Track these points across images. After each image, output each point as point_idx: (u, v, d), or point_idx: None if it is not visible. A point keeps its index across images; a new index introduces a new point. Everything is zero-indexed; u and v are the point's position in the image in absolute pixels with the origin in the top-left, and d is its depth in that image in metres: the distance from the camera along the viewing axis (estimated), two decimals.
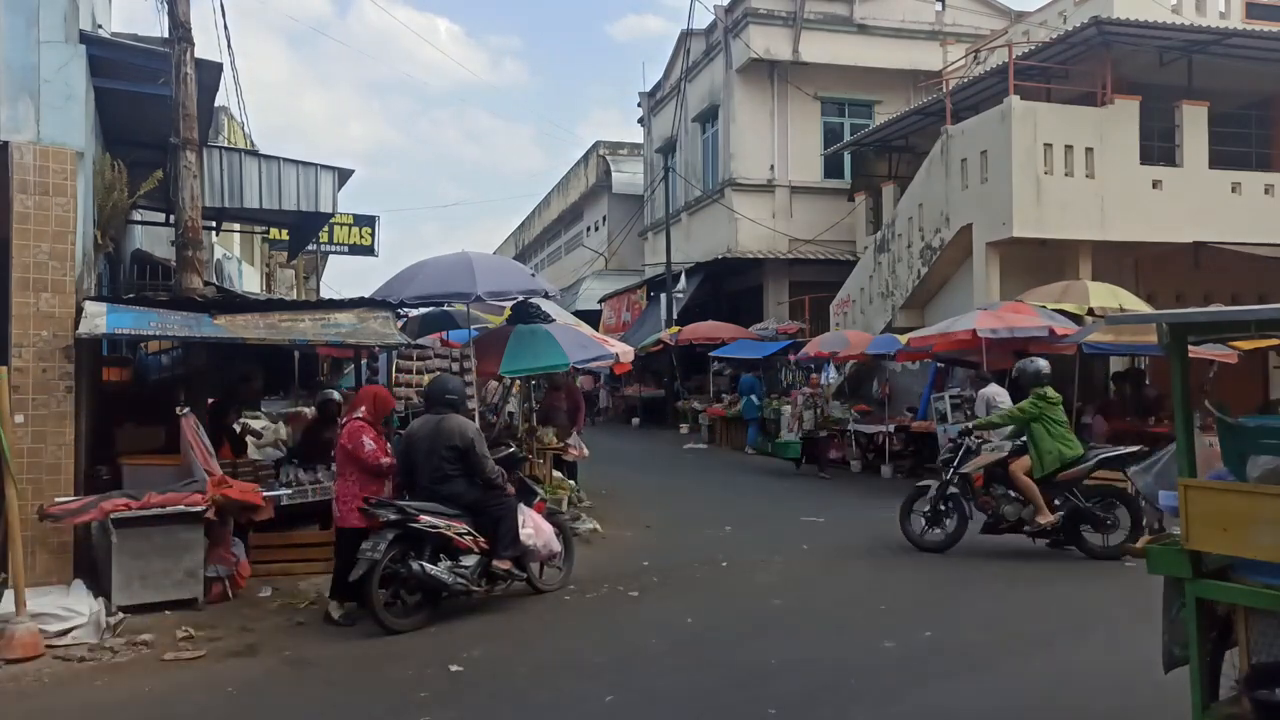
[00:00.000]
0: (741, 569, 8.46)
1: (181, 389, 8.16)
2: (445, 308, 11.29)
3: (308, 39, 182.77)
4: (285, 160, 10.39)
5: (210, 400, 8.45)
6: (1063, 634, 6.25)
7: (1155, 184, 15.03)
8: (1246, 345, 11.01)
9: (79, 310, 7.04)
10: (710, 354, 21.49)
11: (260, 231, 18.48)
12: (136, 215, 11.27)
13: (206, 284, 9.15)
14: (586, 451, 12.90)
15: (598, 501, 11.86)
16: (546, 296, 10.97)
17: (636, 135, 32.70)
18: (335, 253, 26.39)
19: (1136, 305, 13.24)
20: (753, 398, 18.95)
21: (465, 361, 10.31)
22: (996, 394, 11.64)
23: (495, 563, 6.88)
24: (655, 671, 5.67)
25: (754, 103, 23.08)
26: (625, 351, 12.46)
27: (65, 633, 6.20)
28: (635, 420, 25.07)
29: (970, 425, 9.60)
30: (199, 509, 6.81)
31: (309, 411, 10.95)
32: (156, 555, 6.78)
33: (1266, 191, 15.62)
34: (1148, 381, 14.42)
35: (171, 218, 9.72)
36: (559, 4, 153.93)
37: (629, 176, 31.96)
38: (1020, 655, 5.86)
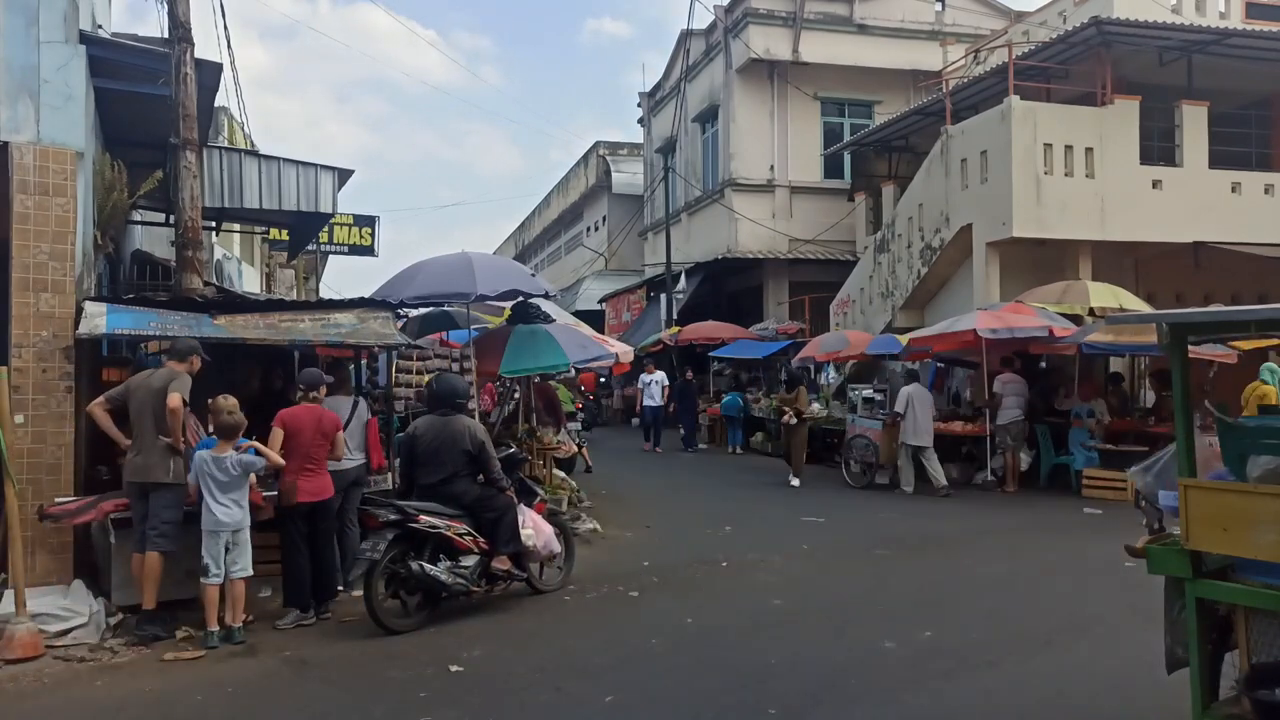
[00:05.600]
0: (741, 569, 8.47)
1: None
2: (445, 308, 11.29)
3: (287, 38, 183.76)
4: (285, 160, 10.39)
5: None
6: (1063, 634, 6.25)
7: (1155, 184, 15.03)
8: (1246, 345, 11.03)
9: (79, 310, 7.03)
10: (710, 354, 21.52)
11: (260, 231, 18.48)
12: (136, 215, 11.26)
13: (206, 284, 9.14)
14: (573, 447, 13.00)
15: (598, 502, 11.86)
16: (546, 296, 10.97)
17: (633, 135, 32.73)
18: (335, 253, 26.39)
19: (1136, 305, 13.26)
20: (736, 395, 19.13)
21: (465, 362, 10.32)
22: (917, 393, 13.08)
23: (494, 563, 6.89)
24: (655, 671, 5.67)
25: (754, 103, 23.08)
26: (625, 351, 12.46)
27: (65, 633, 6.20)
28: (635, 420, 25.07)
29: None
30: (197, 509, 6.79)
31: None
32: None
33: (1266, 191, 15.63)
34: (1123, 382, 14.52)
35: (171, 218, 9.71)
36: (533, 8, 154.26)
37: (629, 176, 31.97)
38: (1020, 655, 5.86)
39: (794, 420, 13.78)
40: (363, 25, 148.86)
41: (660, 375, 19.33)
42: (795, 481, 13.63)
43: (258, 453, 6.47)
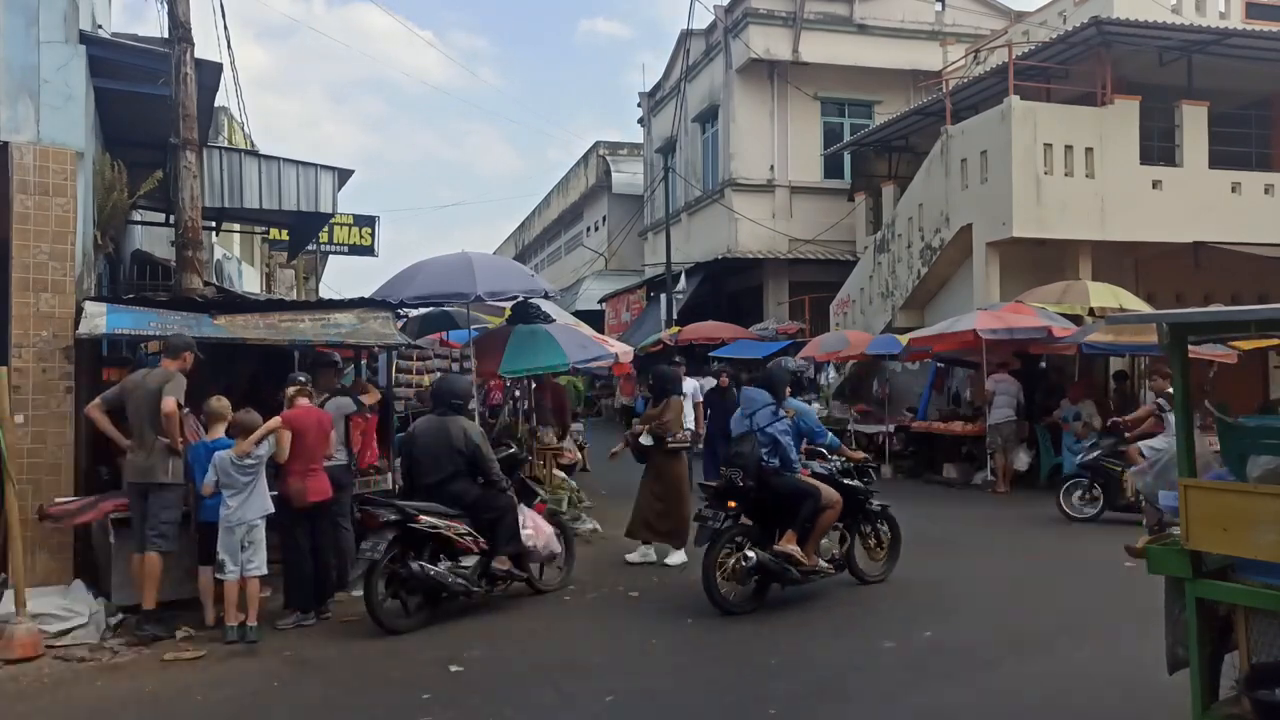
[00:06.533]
0: None
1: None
2: (445, 308, 11.28)
3: (284, 38, 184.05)
4: (285, 160, 10.38)
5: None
6: (1063, 634, 6.25)
7: (1155, 184, 15.03)
8: (1246, 345, 11.02)
9: (79, 310, 7.04)
10: (710, 354, 21.50)
11: (260, 231, 18.48)
12: (136, 215, 11.26)
13: (206, 284, 9.14)
14: (579, 455, 12.90)
15: (598, 502, 11.85)
16: (546, 296, 10.97)
17: (632, 134, 32.72)
18: (335, 253, 26.39)
19: (1136, 305, 13.26)
20: None
21: (465, 362, 10.32)
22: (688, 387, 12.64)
23: (494, 563, 6.89)
24: (655, 671, 5.67)
25: (754, 103, 23.07)
26: (625, 351, 12.45)
27: (65, 633, 6.21)
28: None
29: None
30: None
31: None
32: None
33: (1266, 191, 15.62)
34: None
35: (171, 218, 9.71)
36: (530, 8, 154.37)
37: (629, 176, 31.96)
38: (1020, 655, 5.86)
39: (656, 442, 8.60)
40: (359, 25, 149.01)
41: (694, 386, 12.64)
42: (679, 558, 8.45)
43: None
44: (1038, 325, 12.62)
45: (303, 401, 6.83)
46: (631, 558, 8.67)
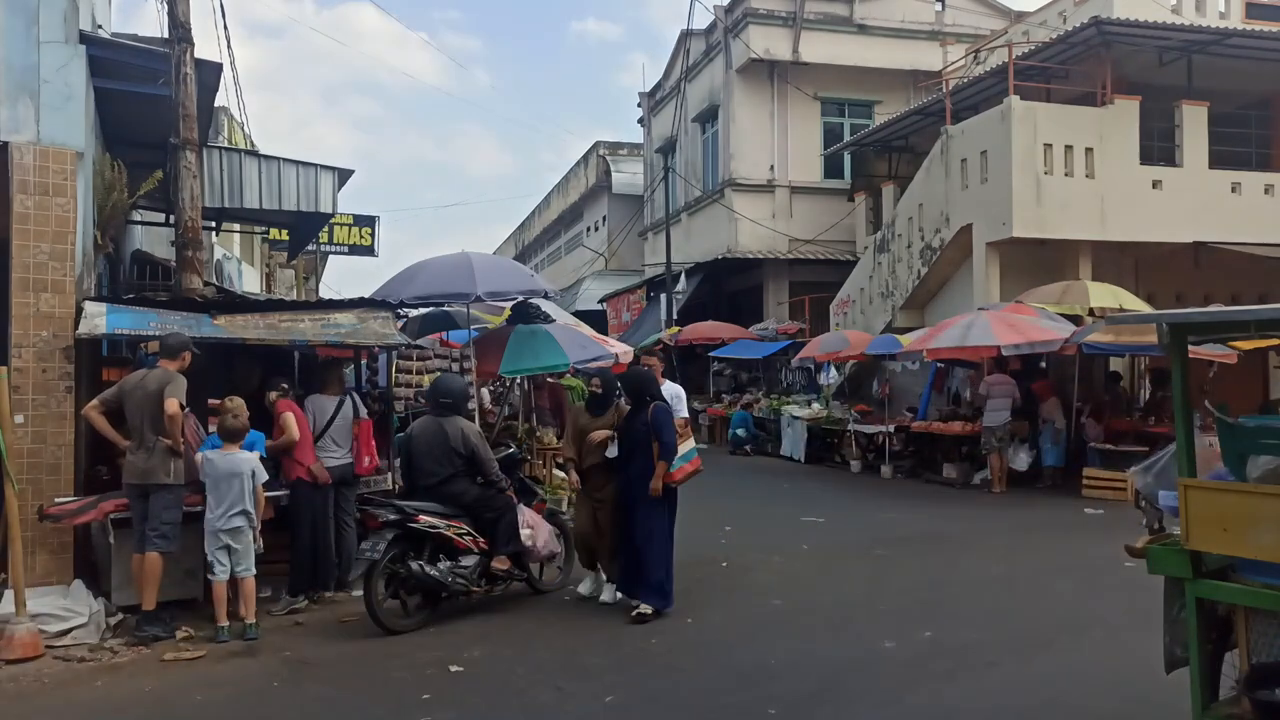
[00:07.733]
0: (741, 569, 8.46)
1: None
2: (445, 308, 11.27)
3: (277, 37, 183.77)
4: (285, 160, 10.37)
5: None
6: (1063, 634, 6.25)
7: (1155, 184, 15.04)
8: (1246, 345, 11.02)
9: (79, 310, 7.03)
10: (710, 354, 21.50)
11: (260, 231, 18.47)
12: (136, 215, 11.25)
13: (206, 284, 9.13)
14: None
15: None
16: (546, 296, 10.96)
17: (630, 134, 32.69)
18: (335, 253, 26.37)
19: (1136, 305, 13.25)
20: (746, 415, 19.08)
21: (465, 362, 10.31)
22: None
23: (494, 563, 6.90)
24: (655, 671, 5.67)
25: (754, 103, 23.07)
26: (625, 351, 12.44)
27: (65, 633, 6.21)
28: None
29: None
30: (198, 509, 6.80)
31: None
32: None
33: (1266, 191, 15.63)
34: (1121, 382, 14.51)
35: (171, 218, 9.71)
36: (525, 9, 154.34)
37: (629, 176, 31.94)
38: (1020, 655, 5.86)
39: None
40: (351, 25, 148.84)
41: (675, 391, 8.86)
42: (606, 594, 7.20)
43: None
44: (1055, 338, 12.36)
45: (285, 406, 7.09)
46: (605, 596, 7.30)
